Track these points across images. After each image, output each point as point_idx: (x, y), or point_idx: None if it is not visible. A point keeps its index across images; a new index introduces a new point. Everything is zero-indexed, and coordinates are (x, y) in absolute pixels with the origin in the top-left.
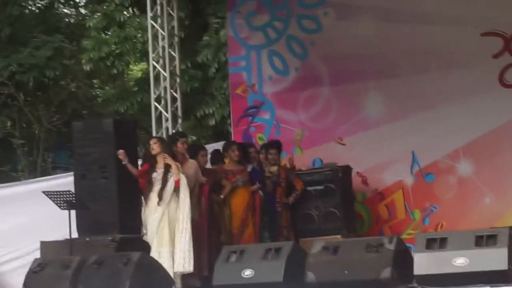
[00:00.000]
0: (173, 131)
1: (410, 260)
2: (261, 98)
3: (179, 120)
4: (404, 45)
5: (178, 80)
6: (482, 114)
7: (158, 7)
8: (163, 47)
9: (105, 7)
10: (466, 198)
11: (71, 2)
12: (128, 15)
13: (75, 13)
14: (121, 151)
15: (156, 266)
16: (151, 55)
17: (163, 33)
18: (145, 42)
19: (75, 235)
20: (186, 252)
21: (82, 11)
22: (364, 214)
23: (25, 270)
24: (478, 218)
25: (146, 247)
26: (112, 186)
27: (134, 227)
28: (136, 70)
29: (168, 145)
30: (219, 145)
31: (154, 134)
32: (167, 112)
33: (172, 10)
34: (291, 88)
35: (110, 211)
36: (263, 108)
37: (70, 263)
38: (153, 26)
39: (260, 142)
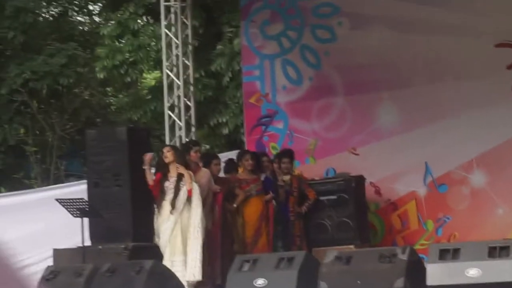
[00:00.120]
0: (187, 139)
1: (423, 270)
2: (275, 107)
3: (193, 129)
4: (418, 55)
5: (191, 88)
6: (495, 125)
7: (172, 16)
8: (177, 56)
9: (119, 15)
10: (479, 209)
11: (85, 10)
12: (142, 23)
13: (89, 21)
14: (149, 154)
15: (169, 275)
16: (165, 63)
17: (177, 41)
18: (159, 51)
19: (87, 243)
20: (197, 261)
21: (96, 19)
22: (377, 224)
23: (38, 277)
24: (491, 229)
25: (159, 256)
26: (125, 194)
27: (147, 235)
28: (149, 78)
29: (181, 153)
30: (232, 154)
31: (167, 142)
32: (180, 120)
33: (186, 19)
34: (304, 98)
35: (123, 219)
36: (277, 117)
37: (83, 271)
38: (167, 35)
39: (273, 151)
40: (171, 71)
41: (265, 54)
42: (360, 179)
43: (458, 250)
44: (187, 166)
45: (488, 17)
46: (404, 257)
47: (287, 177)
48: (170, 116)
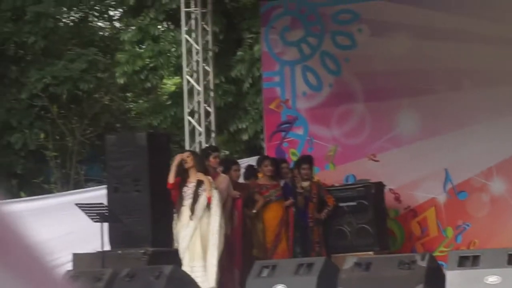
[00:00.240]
0: (206, 145)
1: (442, 277)
2: (295, 113)
3: (213, 135)
4: (438, 62)
5: (212, 94)
6: None
7: (193, 22)
8: (197, 62)
9: (139, 21)
10: (499, 216)
11: (106, 16)
12: (162, 29)
13: (109, 26)
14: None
15: (188, 280)
16: (185, 69)
17: (197, 47)
18: (179, 56)
19: (107, 247)
20: (214, 268)
21: (117, 24)
22: (396, 231)
23: None
24: (510, 236)
25: (178, 261)
26: (144, 199)
27: (166, 240)
28: (169, 84)
29: (201, 159)
30: (252, 160)
31: (187, 148)
32: (200, 126)
33: (207, 25)
34: (324, 104)
35: (142, 224)
36: (297, 123)
37: (102, 275)
38: (187, 41)
39: (293, 158)
40: (191, 76)
41: (285, 60)
42: (380, 186)
43: (477, 257)
44: (206, 172)
45: (509, 24)
46: (423, 263)
47: (306, 183)
48: (190, 122)
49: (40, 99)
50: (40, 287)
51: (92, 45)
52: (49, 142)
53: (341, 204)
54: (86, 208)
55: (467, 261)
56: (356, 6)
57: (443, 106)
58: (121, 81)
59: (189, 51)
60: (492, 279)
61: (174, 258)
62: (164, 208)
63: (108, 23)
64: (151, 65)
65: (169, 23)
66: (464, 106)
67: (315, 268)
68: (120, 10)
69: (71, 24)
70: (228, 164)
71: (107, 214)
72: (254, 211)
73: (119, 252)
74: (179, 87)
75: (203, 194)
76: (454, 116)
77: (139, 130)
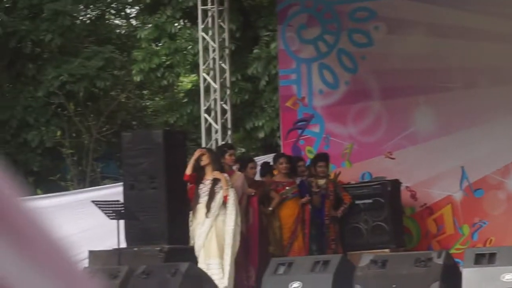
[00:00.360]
0: (223, 143)
1: (459, 275)
2: (311, 111)
3: (229, 132)
4: (455, 60)
5: (228, 92)
6: None
7: (209, 19)
8: (214, 59)
9: (156, 19)
10: None
11: (122, 13)
12: (179, 26)
13: (126, 24)
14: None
15: (205, 278)
16: (201, 67)
17: (213, 45)
18: (195, 54)
19: (123, 244)
20: (227, 267)
21: (133, 22)
22: (412, 229)
23: None
24: None
25: (195, 258)
26: (160, 197)
27: (182, 238)
28: (186, 81)
29: (217, 156)
30: (268, 158)
31: (203, 145)
32: (216, 124)
33: (223, 22)
34: (341, 102)
35: (158, 221)
36: (313, 121)
37: (118, 272)
38: (204, 38)
39: (309, 155)
40: (207, 74)
41: (302, 58)
42: (396, 183)
43: (494, 255)
44: (221, 169)
45: None
46: (439, 261)
47: (322, 181)
48: (206, 120)
49: (56, 97)
50: (66, 281)
51: (109, 43)
52: (66, 140)
53: (357, 202)
54: (102, 205)
55: (484, 258)
56: (373, 4)
57: (459, 103)
58: (137, 78)
59: (206, 49)
60: (509, 276)
61: (190, 255)
62: (180, 205)
63: (124, 20)
64: (168, 62)
65: (186, 20)
66: (480, 104)
67: (331, 266)
68: (137, 7)
69: (88, 21)
70: (245, 162)
71: (123, 211)
72: (270, 208)
73: (135, 249)
74: (196, 84)
75: (219, 192)
76: (470, 114)
77: (155, 128)
